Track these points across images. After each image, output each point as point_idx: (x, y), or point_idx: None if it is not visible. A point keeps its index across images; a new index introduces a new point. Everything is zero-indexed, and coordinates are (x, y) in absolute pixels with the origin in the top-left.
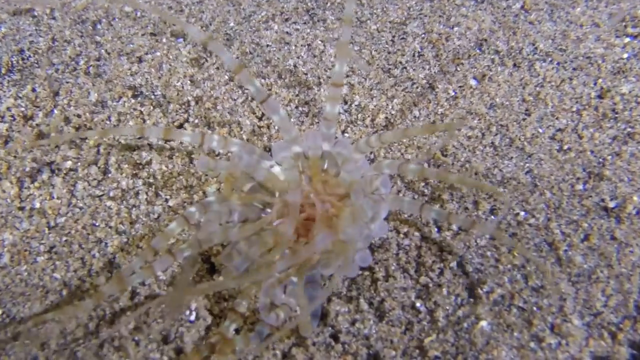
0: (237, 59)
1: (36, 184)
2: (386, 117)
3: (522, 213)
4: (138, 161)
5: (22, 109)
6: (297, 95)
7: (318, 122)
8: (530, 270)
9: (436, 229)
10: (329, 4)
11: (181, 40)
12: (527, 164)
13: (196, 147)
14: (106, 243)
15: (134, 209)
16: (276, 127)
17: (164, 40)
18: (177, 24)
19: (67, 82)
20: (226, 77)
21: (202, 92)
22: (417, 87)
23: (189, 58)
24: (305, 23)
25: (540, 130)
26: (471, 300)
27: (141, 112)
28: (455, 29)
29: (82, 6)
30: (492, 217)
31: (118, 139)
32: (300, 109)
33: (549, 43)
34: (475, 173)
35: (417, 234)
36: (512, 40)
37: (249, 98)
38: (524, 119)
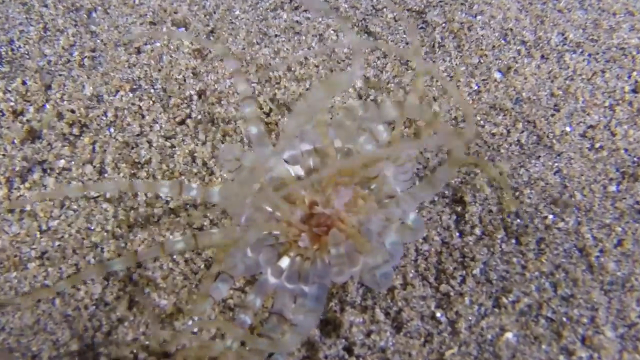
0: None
1: (27, 184)
2: None
3: (551, 216)
4: (137, 160)
5: (12, 103)
6: (307, 89)
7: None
8: (559, 278)
9: (458, 234)
10: None
11: (183, 29)
12: (556, 164)
13: (173, 198)
14: (102, 248)
15: (132, 211)
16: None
17: (165, 29)
18: None
19: (60, 75)
20: (232, 69)
21: (206, 85)
22: (437, 81)
23: (191, 49)
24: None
25: (570, 127)
26: (496, 310)
27: (140, 107)
28: (479, 17)
29: None
30: (518, 220)
31: (115, 136)
32: None
33: (580, 33)
34: (500, 173)
35: (437, 238)
36: (540, 29)
37: (256, 92)
38: (552, 115)
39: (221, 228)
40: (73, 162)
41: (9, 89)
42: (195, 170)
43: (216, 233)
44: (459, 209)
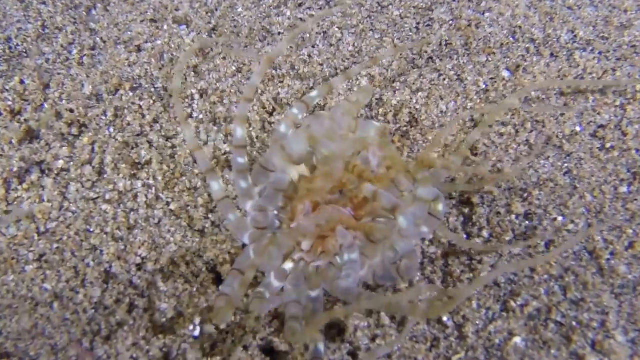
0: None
1: (24, 186)
2: (410, 112)
3: (560, 218)
4: (137, 160)
5: (9, 102)
6: (311, 88)
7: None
8: (569, 282)
9: (465, 236)
10: None
11: (184, 27)
12: (566, 164)
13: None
14: (101, 251)
15: (132, 213)
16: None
17: (165, 27)
18: None
19: (59, 74)
20: (234, 68)
21: (207, 84)
22: (444, 79)
23: (193, 47)
24: (320, 8)
25: (580, 127)
26: (504, 314)
27: (140, 107)
28: (487, 14)
29: None
30: (527, 222)
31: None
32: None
33: (590, 30)
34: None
35: (444, 240)
36: (549, 27)
37: (259, 91)
38: (562, 115)
39: (237, 216)
40: (72, 163)
41: (7, 87)
42: (196, 171)
43: (229, 218)
44: (466, 210)
